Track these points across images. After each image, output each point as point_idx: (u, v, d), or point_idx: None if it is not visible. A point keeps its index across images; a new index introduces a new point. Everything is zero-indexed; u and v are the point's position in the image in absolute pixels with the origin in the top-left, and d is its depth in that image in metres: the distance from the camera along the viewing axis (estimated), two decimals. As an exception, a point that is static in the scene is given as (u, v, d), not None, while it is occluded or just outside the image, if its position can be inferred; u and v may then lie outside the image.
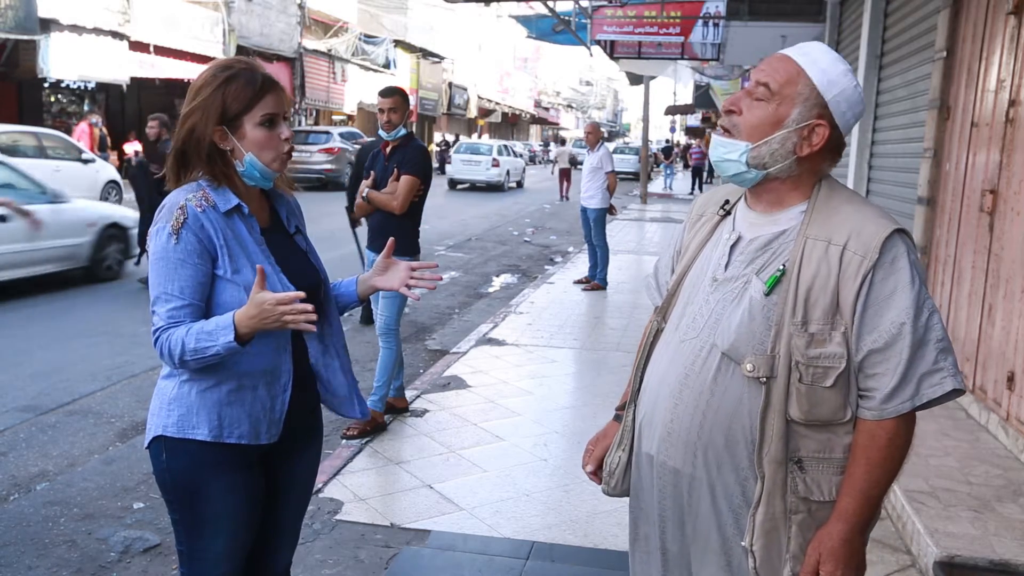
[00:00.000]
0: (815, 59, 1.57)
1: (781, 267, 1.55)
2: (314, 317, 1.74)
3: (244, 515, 1.94)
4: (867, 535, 1.57)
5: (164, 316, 1.78)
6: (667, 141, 45.52)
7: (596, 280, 9.22)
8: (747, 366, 1.53)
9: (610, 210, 9.42)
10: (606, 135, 10.51)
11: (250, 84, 1.85)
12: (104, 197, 14.19)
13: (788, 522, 1.55)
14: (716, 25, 12.82)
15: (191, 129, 1.85)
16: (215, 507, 1.90)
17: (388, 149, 4.62)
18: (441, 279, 1.84)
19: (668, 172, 32.28)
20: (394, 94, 4.56)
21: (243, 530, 1.95)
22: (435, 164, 25.12)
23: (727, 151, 1.61)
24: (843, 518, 1.52)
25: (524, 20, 19.23)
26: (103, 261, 8.72)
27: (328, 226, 12.45)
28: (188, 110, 1.86)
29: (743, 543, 1.57)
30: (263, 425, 1.90)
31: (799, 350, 1.51)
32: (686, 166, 36.34)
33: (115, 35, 18.36)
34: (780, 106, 1.56)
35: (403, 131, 4.57)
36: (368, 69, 30.75)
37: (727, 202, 1.73)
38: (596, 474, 1.89)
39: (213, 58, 21.36)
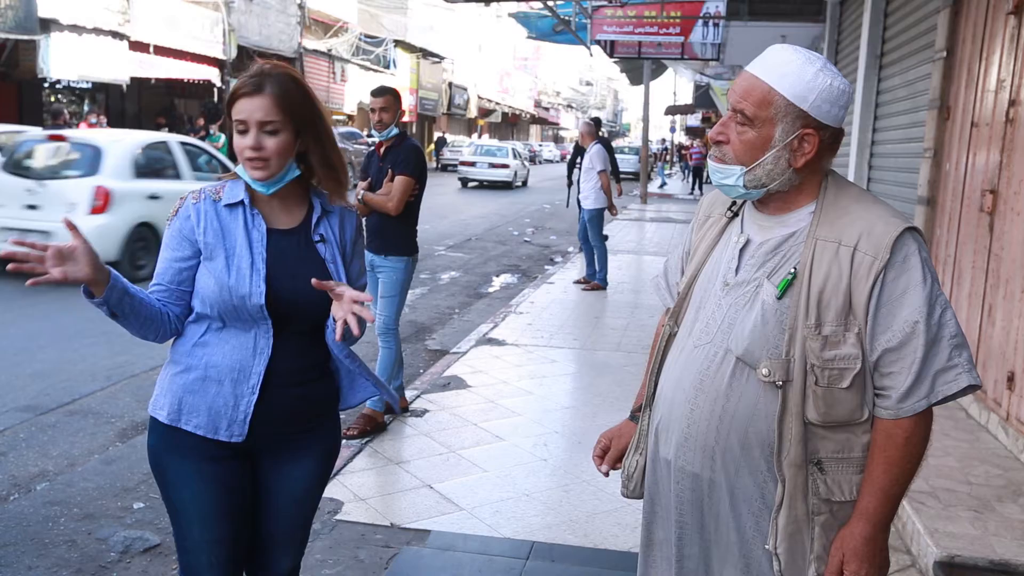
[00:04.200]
0: (782, 72, 1.53)
1: (792, 270, 1.54)
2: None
3: (214, 506, 1.92)
4: (888, 532, 1.58)
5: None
6: (661, 141, 45.25)
7: (596, 280, 9.20)
8: (762, 371, 1.53)
9: (610, 209, 9.38)
10: (605, 134, 10.56)
11: (233, 89, 1.89)
12: (104, 197, 14.16)
13: (811, 523, 1.55)
14: (716, 25, 12.82)
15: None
16: (180, 492, 1.93)
17: (382, 149, 4.62)
18: (372, 320, 1.81)
19: (660, 171, 32.31)
20: (385, 93, 4.55)
21: (217, 521, 1.93)
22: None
23: (724, 176, 1.61)
24: (865, 517, 1.53)
25: (524, 19, 19.22)
26: None
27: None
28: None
29: (767, 546, 1.57)
30: (222, 421, 1.89)
31: (814, 353, 1.50)
32: (683, 167, 36.57)
33: (115, 35, 18.35)
34: (762, 128, 1.55)
35: (395, 131, 4.56)
36: (368, 69, 30.74)
37: (734, 203, 1.72)
38: (604, 466, 1.90)
39: (213, 58, 21.48)
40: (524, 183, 28.46)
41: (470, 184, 26.62)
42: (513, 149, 28.08)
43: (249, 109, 1.84)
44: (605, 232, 9.59)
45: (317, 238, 1.99)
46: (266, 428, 1.93)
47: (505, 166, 26.47)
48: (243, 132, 1.86)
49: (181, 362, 1.91)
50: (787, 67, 1.54)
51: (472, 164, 26.54)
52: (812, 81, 1.52)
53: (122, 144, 8.83)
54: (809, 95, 1.52)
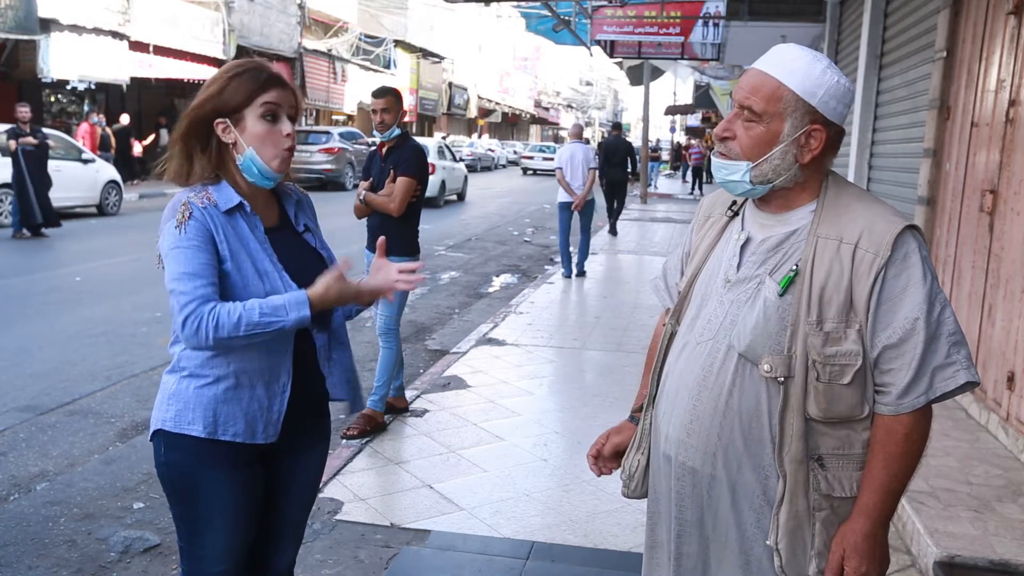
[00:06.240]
0: (791, 68, 1.55)
1: (794, 267, 1.55)
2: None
3: (242, 512, 1.94)
4: (888, 528, 1.58)
5: (194, 292, 1.76)
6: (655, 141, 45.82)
7: (568, 269, 9.82)
8: (764, 367, 1.54)
9: (574, 206, 9.72)
10: (588, 139, 11.35)
11: (254, 79, 1.87)
12: (104, 197, 14.20)
13: (812, 519, 1.56)
14: (716, 25, 12.83)
15: (193, 120, 1.87)
16: (211, 503, 1.91)
17: (384, 150, 4.62)
18: (423, 280, 1.87)
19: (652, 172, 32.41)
20: (386, 94, 4.54)
21: (241, 527, 1.95)
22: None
23: (729, 172, 1.61)
24: (865, 513, 1.54)
25: (526, 13, 19.28)
26: None
27: (329, 225, 12.39)
28: (193, 103, 1.88)
29: (768, 542, 1.57)
30: (259, 424, 1.90)
31: (815, 349, 1.51)
32: (675, 168, 37.24)
33: (115, 35, 18.36)
34: (771, 123, 1.56)
35: (397, 131, 4.55)
36: (368, 69, 30.75)
37: (735, 203, 1.73)
38: (597, 464, 1.90)
39: (213, 58, 21.49)
40: None
41: (528, 172, 36.79)
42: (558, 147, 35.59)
43: (283, 97, 1.88)
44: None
45: (302, 228, 2.04)
46: (289, 424, 1.95)
47: (553, 159, 33.61)
48: (273, 119, 1.87)
49: (206, 373, 1.85)
50: (795, 63, 1.56)
51: (531, 158, 37.61)
52: (820, 77, 1.55)
53: (432, 142, 19.90)
54: (818, 91, 1.54)
